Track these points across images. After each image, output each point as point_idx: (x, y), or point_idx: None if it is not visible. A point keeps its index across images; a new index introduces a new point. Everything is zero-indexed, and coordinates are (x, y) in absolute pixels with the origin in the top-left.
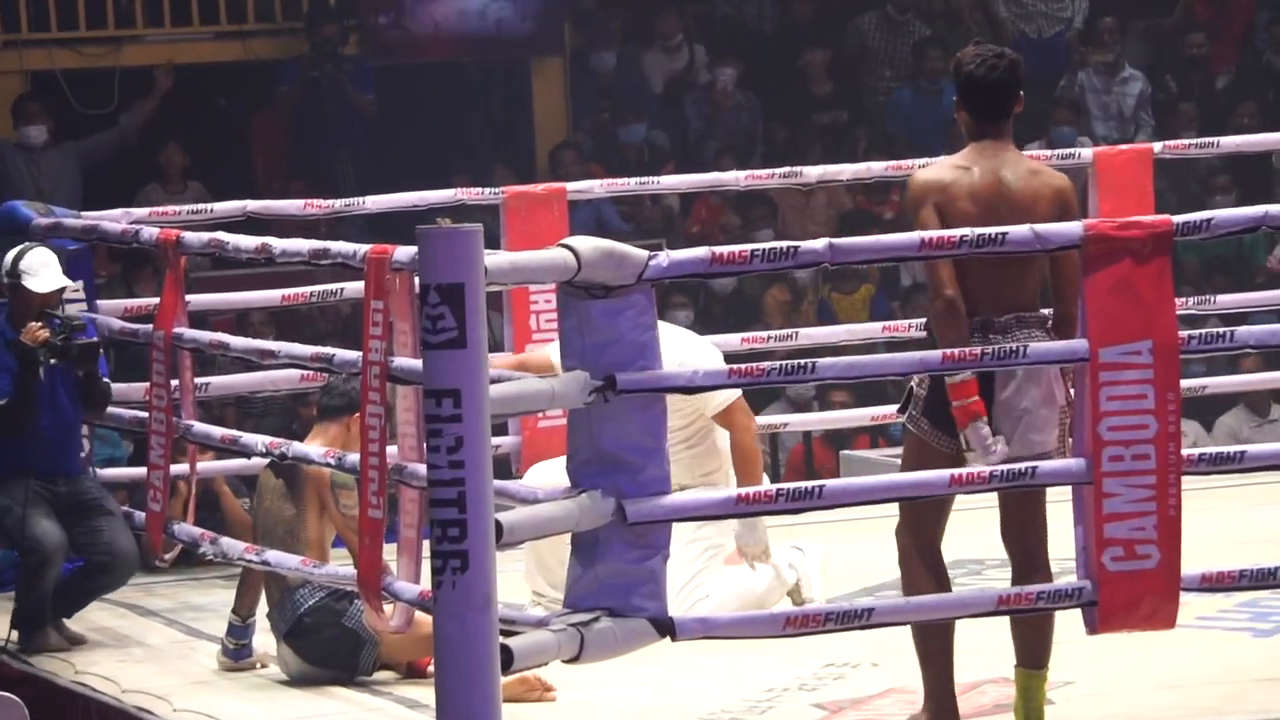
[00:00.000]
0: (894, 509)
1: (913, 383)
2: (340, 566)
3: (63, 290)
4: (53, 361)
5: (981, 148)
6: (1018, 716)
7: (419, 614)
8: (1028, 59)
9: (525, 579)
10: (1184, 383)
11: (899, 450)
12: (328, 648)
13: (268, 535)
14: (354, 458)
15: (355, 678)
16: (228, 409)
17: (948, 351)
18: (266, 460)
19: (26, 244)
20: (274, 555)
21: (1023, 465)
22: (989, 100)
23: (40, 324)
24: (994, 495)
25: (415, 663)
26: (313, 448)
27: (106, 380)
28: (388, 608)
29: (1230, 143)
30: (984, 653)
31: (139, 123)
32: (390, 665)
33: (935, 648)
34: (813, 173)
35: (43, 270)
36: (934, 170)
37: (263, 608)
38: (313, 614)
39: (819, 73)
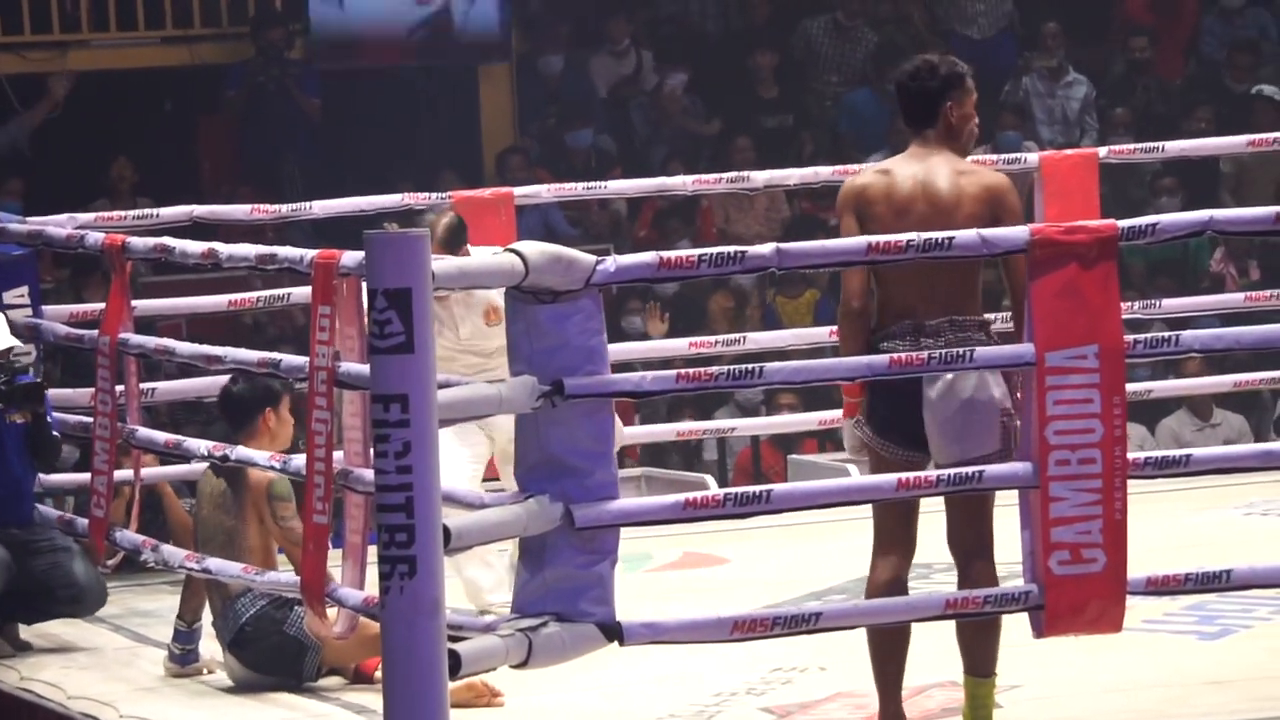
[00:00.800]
0: (842, 513)
1: None
2: (283, 573)
3: (10, 350)
4: None
5: (911, 153)
6: None
7: (362, 616)
8: (971, 64)
9: (469, 600)
10: (1129, 387)
11: (846, 454)
12: (271, 655)
13: (207, 543)
14: (299, 462)
15: (301, 684)
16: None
17: (894, 356)
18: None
19: None
20: (214, 563)
21: (969, 470)
22: (909, 107)
23: None
24: (941, 500)
25: (361, 667)
26: (257, 452)
27: (57, 433)
28: (331, 613)
29: (1175, 147)
30: (930, 656)
31: (33, 125)
32: (338, 670)
33: (892, 670)
34: (760, 177)
35: None
36: (859, 176)
37: (209, 615)
38: (254, 623)
39: (766, 76)
